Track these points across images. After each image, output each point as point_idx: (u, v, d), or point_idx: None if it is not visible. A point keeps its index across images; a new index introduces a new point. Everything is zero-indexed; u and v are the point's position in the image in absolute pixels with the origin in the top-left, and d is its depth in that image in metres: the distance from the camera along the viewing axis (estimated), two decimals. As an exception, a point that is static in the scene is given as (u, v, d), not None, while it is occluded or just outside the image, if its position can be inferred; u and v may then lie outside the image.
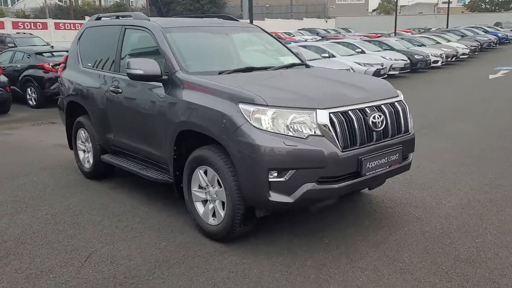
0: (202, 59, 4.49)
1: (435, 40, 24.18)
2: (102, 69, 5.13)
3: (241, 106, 3.38)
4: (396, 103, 3.82)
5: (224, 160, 3.54)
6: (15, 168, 6.23)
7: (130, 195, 4.98)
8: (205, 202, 3.90)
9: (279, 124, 3.29)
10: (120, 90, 4.69)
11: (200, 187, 3.90)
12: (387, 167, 3.63)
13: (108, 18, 5.50)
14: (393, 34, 33.53)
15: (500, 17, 53.01)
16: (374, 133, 3.53)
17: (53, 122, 10.25)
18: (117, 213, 4.49)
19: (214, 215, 3.80)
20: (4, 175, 5.92)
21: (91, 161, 5.50)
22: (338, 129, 3.33)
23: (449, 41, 25.58)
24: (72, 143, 5.91)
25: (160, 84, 4.16)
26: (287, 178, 3.26)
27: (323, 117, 3.30)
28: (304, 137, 3.27)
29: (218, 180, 3.66)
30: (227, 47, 4.84)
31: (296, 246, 3.67)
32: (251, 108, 3.34)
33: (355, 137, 3.42)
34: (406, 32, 36.36)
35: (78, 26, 32.41)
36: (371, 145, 3.50)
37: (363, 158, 3.40)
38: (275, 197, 3.29)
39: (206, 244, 3.75)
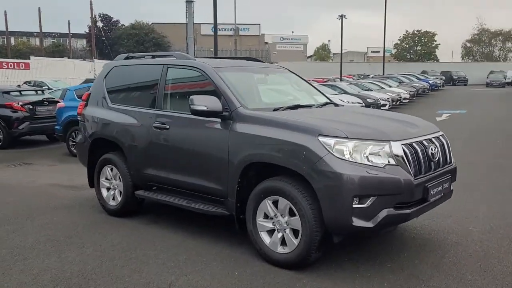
0: (252, 97, 4.76)
1: (379, 85, 26.00)
2: (139, 106, 5.23)
3: (321, 138, 3.69)
4: (440, 137, 4.30)
5: (299, 190, 3.78)
6: (25, 209, 5.99)
7: (170, 230, 5.00)
8: (271, 232, 4.08)
9: (359, 154, 3.63)
10: (167, 126, 4.82)
11: (266, 217, 4.08)
12: (442, 194, 4.05)
13: (139, 58, 5.65)
14: (339, 79, 35.53)
15: (424, 66, 57.90)
16: (432, 163, 3.96)
17: (28, 163, 9.89)
18: (169, 247, 4.52)
19: (282, 243, 3.98)
20: (18, 215, 5.69)
21: (119, 198, 5.47)
22: (410, 159, 3.72)
23: (390, 86, 27.58)
24: (93, 181, 5.82)
25: (219, 119, 4.37)
26: (368, 205, 3.56)
27: (397, 148, 3.69)
28: (382, 166, 3.62)
29: (290, 209, 3.88)
30: (274, 86, 5.16)
31: (363, 270, 3.92)
32: (332, 140, 3.65)
33: (421, 166, 3.82)
34: (348, 77, 38.73)
35: (22, 65, 31.32)
36: (432, 173, 3.91)
37: (428, 185, 3.79)
38: (357, 222, 3.57)
39: (279, 272, 3.90)
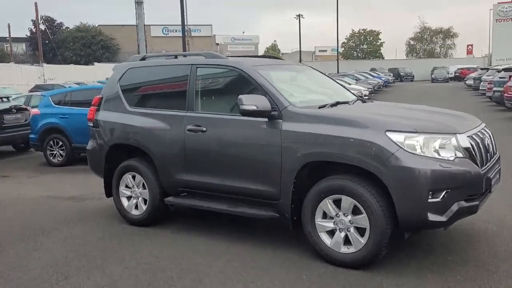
0: (295, 94, 4.64)
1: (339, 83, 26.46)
2: (166, 109, 4.96)
3: (389, 134, 3.63)
4: (486, 128, 4.37)
5: (365, 187, 3.72)
6: (32, 224, 5.52)
7: (207, 237, 4.78)
8: (330, 232, 3.99)
9: (429, 149, 3.61)
10: (204, 129, 4.60)
11: (325, 217, 3.98)
12: (496, 185, 4.12)
13: (158, 59, 5.38)
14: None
15: (372, 64, 59.72)
16: (488, 154, 4.01)
17: (4, 175, 9.24)
18: (217, 255, 4.31)
19: (346, 243, 3.90)
20: (29, 232, 5.24)
21: (144, 206, 5.17)
22: (476, 151, 3.74)
23: (350, 84, 28.17)
24: (111, 190, 5.47)
25: (265, 119, 4.22)
26: (442, 198, 3.55)
27: (464, 140, 3.70)
28: (452, 159, 3.62)
29: (354, 208, 3.80)
30: (304, 83, 5.05)
31: (428, 265, 3.90)
32: (401, 135, 3.61)
33: (483, 158, 3.86)
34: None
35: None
36: (489, 164, 3.97)
37: (490, 176, 3.84)
38: (432, 217, 3.54)
39: (347, 272, 3.81)
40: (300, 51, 46.38)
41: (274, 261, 4.11)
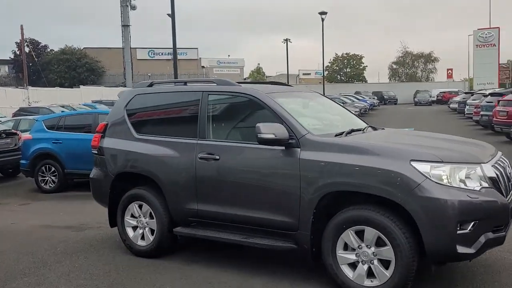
0: (310, 122, 4.56)
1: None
2: (176, 136, 4.85)
3: (414, 164, 3.57)
4: (503, 157, 4.35)
5: (390, 218, 3.63)
6: (31, 256, 5.28)
7: (219, 269, 4.60)
8: (352, 264, 3.87)
9: (455, 179, 3.55)
10: (217, 157, 4.49)
11: (347, 249, 3.87)
12: None
13: (166, 85, 5.28)
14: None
15: (355, 87, 60.55)
16: (510, 183, 3.98)
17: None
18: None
19: (369, 276, 3.79)
20: (29, 265, 5.01)
21: (151, 237, 4.99)
22: (501, 180, 3.70)
23: (337, 107, 28.41)
24: (116, 220, 5.27)
25: (282, 147, 4.14)
26: (470, 230, 3.48)
27: (489, 170, 3.66)
28: (478, 189, 3.56)
29: (378, 239, 3.70)
30: (316, 111, 5.00)
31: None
32: (427, 165, 3.55)
33: (506, 187, 3.81)
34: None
35: None
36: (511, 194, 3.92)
37: None
38: (461, 249, 3.47)
39: (372, 307, 3.69)
40: (288, 74, 46.79)
41: (296, 295, 3.97)
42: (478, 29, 47.61)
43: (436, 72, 77.52)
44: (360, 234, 3.81)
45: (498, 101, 15.29)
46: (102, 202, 5.45)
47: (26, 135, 10.37)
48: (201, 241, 5.23)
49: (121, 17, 51.03)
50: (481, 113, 17.73)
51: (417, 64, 78.05)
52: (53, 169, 9.75)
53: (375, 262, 3.75)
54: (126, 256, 5.15)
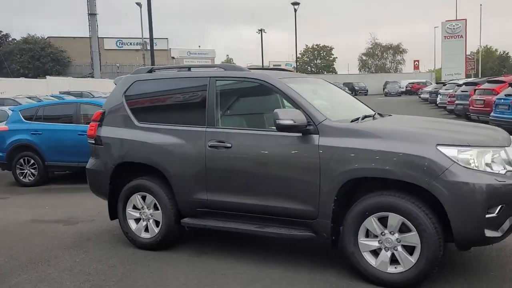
0: (324, 108, 4.45)
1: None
2: (181, 124, 4.65)
3: (440, 148, 3.52)
4: None
5: (415, 204, 3.58)
6: (26, 252, 5.01)
7: (232, 260, 4.47)
8: (374, 252, 3.81)
9: (481, 163, 3.52)
10: (228, 145, 4.32)
11: (369, 236, 3.81)
12: None
13: (168, 71, 5.05)
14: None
15: (326, 78, 60.23)
16: None
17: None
18: (250, 280, 4.02)
19: (392, 262, 3.73)
20: (26, 261, 4.73)
21: (155, 229, 4.79)
22: None
23: (312, 98, 28.53)
24: (117, 213, 5.04)
25: (299, 134, 4.02)
26: (497, 214, 3.46)
27: None
28: (503, 173, 3.55)
29: (402, 225, 3.65)
30: (325, 97, 4.89)
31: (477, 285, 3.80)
32: (454, 149, 3.51)
33: None
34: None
35: None
36: None
37: None
38: (489, 233, 3.45)
39: (397, 294, 3.64)
40: (262, 65, 46.68)
41: (314, 285, 3.88)
42: (446, 20, 48.71)
43: (404, 64, 79.12)
44: (382, 221, 3.74)
45: (475, 90, 15.64)
46: (101, 194, 5.20)
47: (1, 126, 9.85)
48: (207, 232, 5.09)
49: (88, 5, 49.38)
50: (456, 102, 18.12)
51: (386, 55, 79.41)
52: (32, 161, 9.32)
53: (399, 248, 3.69)
54: (129, 249, 4.93)
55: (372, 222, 3.75)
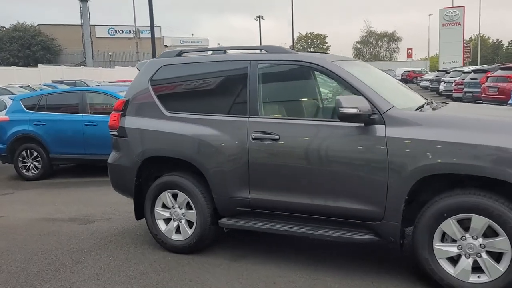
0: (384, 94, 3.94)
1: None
2: (219, 113, 4.13)
3: (537, 141, 3.05)
4: None
5: (505, 205, 3.12)
6: (41, 256, 4.51)
7: (275, 265, 4.00)
8: (451, 258, 3.35)
9: None
10: (276, 137, 3.82)
11: (446, 240, 3.34)
12: None
13: (200, 54, 4.52)
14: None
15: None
16: None
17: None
18: (300, 286, 3.56)
19: (475, 270, 3.27)
20: (43, 266, 4.22)
21: (188, 230, 4.30)
22: None
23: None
24: (144, 212, 4.53)
25: (361, 124, 3.52)
26: None
27: None
28: None
29: (487, 229, 3.19)
30: (381, 82, 4.38)
31: None
32: None
33: None
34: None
35: None
36: None
37: None
38: None
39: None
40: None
41: (384, 295, 3.42)
42: (444, 7, 48.23)
43: (399, 52, 78.63)
44: (462, 224, 3.28)
45: (487, 77, 15.22)
46: (125, 192, 4.67)
47: (1, 116, 9.23)
48: (233, 233, 4.59)
49: (79, -9, 48.28)
50: (465, 90, 17.71)
51: (381, 43, 78.78)
52: (35, 154, 8.73)
53: (483, 255, 3.24)
54: (158, 252, 4.44)
55: (451, 225, 3.29)
